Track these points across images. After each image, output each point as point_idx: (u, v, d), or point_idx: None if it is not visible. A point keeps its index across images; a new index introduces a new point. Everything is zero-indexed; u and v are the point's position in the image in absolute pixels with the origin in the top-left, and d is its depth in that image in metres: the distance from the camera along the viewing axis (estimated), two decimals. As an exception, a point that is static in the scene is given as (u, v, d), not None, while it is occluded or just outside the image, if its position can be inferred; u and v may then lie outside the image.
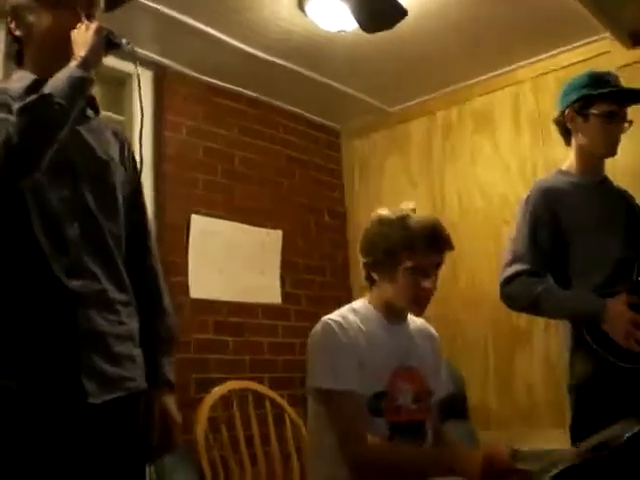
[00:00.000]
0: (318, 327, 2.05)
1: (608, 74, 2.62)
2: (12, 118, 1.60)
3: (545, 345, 4.07)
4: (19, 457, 1.61)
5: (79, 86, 1.70)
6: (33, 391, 1.64)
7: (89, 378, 1.70)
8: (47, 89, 1.65)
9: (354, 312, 2.10)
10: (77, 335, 1.71)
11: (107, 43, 1.82)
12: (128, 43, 1.87)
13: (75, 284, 1.73)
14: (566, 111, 2.60)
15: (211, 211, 4.23)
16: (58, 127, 1.65)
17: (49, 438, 1.64)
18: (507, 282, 2.49)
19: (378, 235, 2.09)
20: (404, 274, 2.04)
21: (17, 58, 1.91)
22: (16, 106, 1.64)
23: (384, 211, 2.14)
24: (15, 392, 1.62)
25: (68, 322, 1.70)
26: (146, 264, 2.02)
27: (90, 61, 1.75)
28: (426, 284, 2.06)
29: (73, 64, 1.72)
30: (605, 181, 2.65)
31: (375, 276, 2.12)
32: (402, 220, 2.06)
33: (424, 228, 2.04)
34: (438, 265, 2.09)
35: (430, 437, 2.15)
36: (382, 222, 2.11)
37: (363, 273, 2.19)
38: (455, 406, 3.75)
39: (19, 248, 1.70)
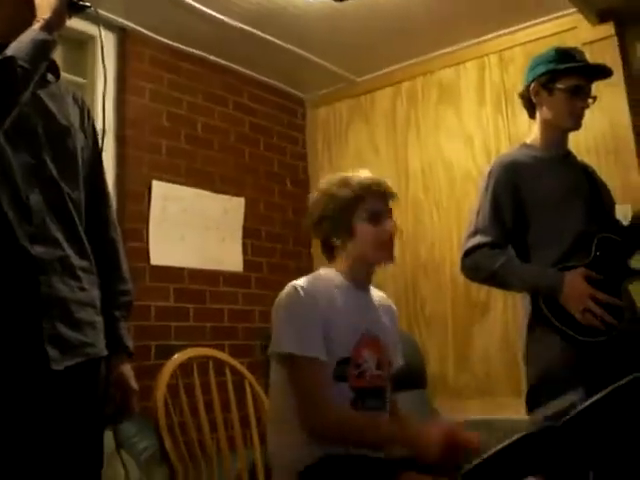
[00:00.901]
0: (284, 292, 2.07)
1: (575, 49, 2.63)
2: None
3: (503, 317, 4.13)
4: None
5: (43, 49, 1.68)
6: None
7: (52, 344, 1.70)
8: (9, 52, 1.62)
9: (320, 279, 2.12)
10: (39, 301, 1.70)
11: (70, 6, 1.79)
12: (91, 6, 1.84)
13: (38, 250, 1.72)
14: (532, 84, 2.61)
15: (173, 177, 4.19)
16: (21, 90, 1.62)
17: (10, 402, 1.64)
18: (468, 254, 2.51)
19: (326, 199, 2.16)
20: (361, 225, 2.12)
21: None
22: None
23: (322, 183, 2.24)
24: None
25: (30, 288, 1.70)
26: (105, 234, 2.02)
27: (54, 24, 1.72)
28: (385, 227, 2.13)
29: (36, 27, 1.69)
30: (569, 155, 2.67)
31: (336, 241, 2.15)
32: (344, 180, 2.17)
33: (366, 179, 2.16)
34: (389, 212, 2.18)
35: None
36: (325, 188, 2.19)
37: (321, 247, 2.22)
38: (413, 375, 3.80)
39: None
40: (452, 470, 1.79)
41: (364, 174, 2.18)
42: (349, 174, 2.18)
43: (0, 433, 1.62)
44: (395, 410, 2.27)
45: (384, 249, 2.14)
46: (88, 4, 1.83)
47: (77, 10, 1.83)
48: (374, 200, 2.14)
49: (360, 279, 2.18)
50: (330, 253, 2.20)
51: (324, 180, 2.24)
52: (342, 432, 1.97)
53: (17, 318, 1.68)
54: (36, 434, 1.68)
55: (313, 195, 2.24)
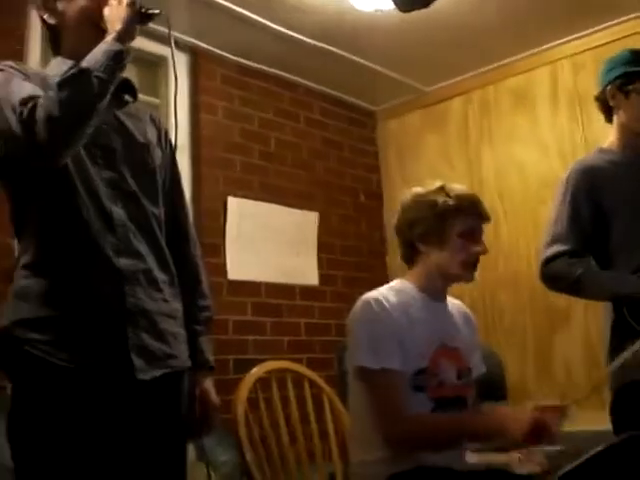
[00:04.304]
0: (358, 305, 2.06)
1: (650, 51, 2.57)
2: (51, 93, 1.61)
3: (584, 325, 4.04)
4: (67, 429, 1.64)
5: (116, 59, 1.70)
6: (84, 365, 1.67)
7: (137, 354, 1.73)
8: (84, 64, 1.66)
9: (394, 291, 2.11)
10: (125, 312, 1.74)
11: (141, 15, 1.80)
12: (161, 12, 1.83)
13: (123, 262, 1.76)
14: (607, 88, 2.55)
15: (247, 193, 4.24)
16: (97, 99, 1.65)
17: (97, 412, 1.67)
18: (547, 263, 2.46)
19: (423, 205, 2.14)
20: (455, 238, 2.10)
21: (53, 47, 1.93)
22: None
23: (417, 188, 2.20)
24: (66, 365, 1.66)
25: (116, 299, 1.73)
26: (186, 250, 2.04)
27: (125, 34, 1.74)
28: (477, 248, 2.11)
29: (109, 38, 1.72)
30: (646, 159, 2.61)
31: (422, 248, 2.12)
32: (443, 189, 2.14)
33: (467, 194, 2.15)
34: (482, 233, 2.16)
35: None
36: (421, 195, 2.17)
37: (402, 252, 2.21)
38: (493, 387, 3.74)
39: (68, 228, 1.73)
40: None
41: (463, 188, 2.17)
42: (447, 185, 2.16)
43: (86, 442, 1.65)
44: None
45: (469, 268, 2.13)
46: (157, 11, 1.83)
47: (148, 19, 1.83)
48: (473, 217, 2.13)
49: (436, 290, 2.16)
50: (410, 259, 2.18)
51: (418, 188, 2.21)
52: (420, 435, 1.96)
53: (103, 328, 1.71)
54: (121, 444, 1.71)
55: (405, 198, 2.21)
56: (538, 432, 1.79)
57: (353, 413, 2.16)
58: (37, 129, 1.57)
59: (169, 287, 1.89)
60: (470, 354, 2.19)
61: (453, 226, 2.09)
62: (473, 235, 2.11)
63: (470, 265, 2.12)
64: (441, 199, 2.11)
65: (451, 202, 2.10)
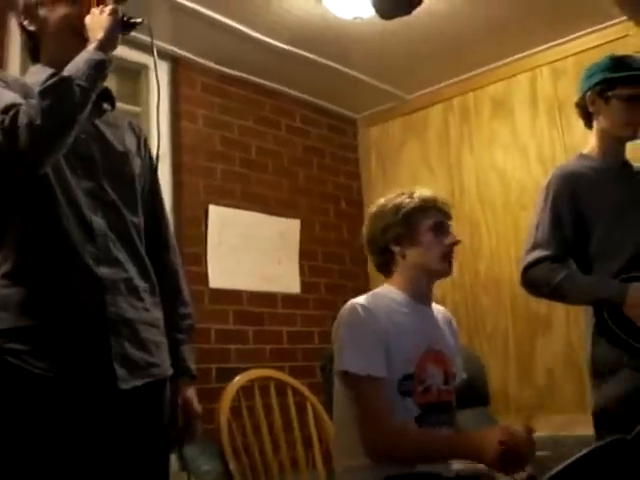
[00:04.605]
0: (345, 310, 2.07)
1: (630, 57, 2.58)
2: (32, 102, 1.61)
3: (566, 330, 4.06)
4: (47, 438, 1.63)
5: (98, 68, 1.70)
6: (63, 374, 1.66)
7: (120, 364, 1.72)
8: (66, 72, 1.66)
9: (380, 296, 2.12)
10: (106, 321, 1.73)
11: (123, 24, 1.80)
12: (143, 20, 1.83)
13: (103, 271, 1.75)
14: (587, 94, 2.57)
15: (229, 201, 4.23)
16: (79, 108, 1.65)
17: (77, 421, 1.66)
18: (528, 268, 2.47)
19: (389, 211, 2.18)
20: (426, 234, 2.14)
21: (33, 54, 1.93)
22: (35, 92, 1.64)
23: (379, 200, 2.25)
24: (44, 374, 1.65)
25: (97, 308, 1.73)
26: (166, 258, 2.04)
27: (107, 43, 1.74)
28: (450, 239, 2.16)
29: (91, 47, 1.72)
30: (627, 165, 2.63)
31: (398, 250, 2.15)
32: (405, 193, 2.20)
33: (429, 194, 2.20)
34: (450, 227, 2.21)
35: None
36: (384, 204, 2.21)
37: (378, 262, 2.23)
38: (475, 392, 3.75)
39: (49, 237, 1.72)
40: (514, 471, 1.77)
41: (425, 190, 2.21)
42: (407, 190, 2.21)
43: (67, 452, 1.64)
44: (456, 424, 2.24)
45: (446, 261, 2.15)
46: (140, 19, 1.83)
47: (130, 27, 1.83)
48: (438, 213, 2.17)
49: (420, 293, 2.17)
50: (387, 267, 2.20)
51: (381, 199, 2.25)
52: (401, 452, 1.95)
53: (84, 337, 1.71)
54: (102, 454, 1.70)
55: (371, 210, 2.25)
56: (510, 457, 1.77)
57: (338, 419, 2.15)
58: (19, 137, 1.57)
59: (150, 296, 1.88)
60: (453, 359, 2.20)
61: (422, 223, 2.14)
62: (442, 228, 2.16)
63: (447, 257, 2.16)
64: (405, 201, 2.16)
65: (415, 201, 2.15)
